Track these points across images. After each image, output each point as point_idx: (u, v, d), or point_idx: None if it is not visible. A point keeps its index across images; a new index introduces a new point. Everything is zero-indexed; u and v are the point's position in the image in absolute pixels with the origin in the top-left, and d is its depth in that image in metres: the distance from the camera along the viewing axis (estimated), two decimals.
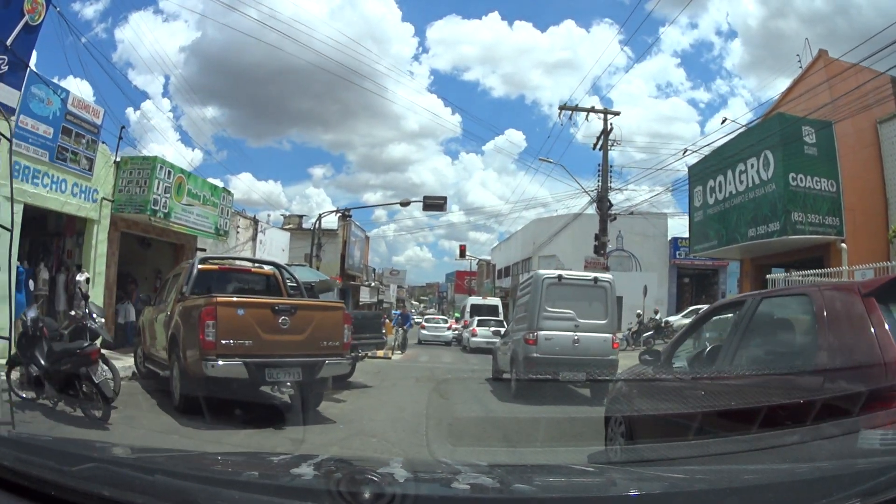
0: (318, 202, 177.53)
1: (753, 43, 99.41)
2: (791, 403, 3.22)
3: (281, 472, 2.10)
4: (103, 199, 14.48)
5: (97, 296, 14.44)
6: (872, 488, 1.46)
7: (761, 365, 3.93)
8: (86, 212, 14.09)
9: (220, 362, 6.89)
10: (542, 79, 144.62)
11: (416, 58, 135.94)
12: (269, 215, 36.45)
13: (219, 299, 7.21)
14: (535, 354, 10.40)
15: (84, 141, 13.94)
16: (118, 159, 15.12)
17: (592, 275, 11.73)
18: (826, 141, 16.41)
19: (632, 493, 1.81)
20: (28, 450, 1.82)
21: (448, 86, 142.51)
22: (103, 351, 8.71)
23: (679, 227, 39.11)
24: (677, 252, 37.53)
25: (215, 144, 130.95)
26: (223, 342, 6.97)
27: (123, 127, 16.01)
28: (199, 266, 8.82)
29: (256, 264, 10.93)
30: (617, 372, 9.69)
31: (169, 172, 15.01)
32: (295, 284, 9.63)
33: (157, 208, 14.67)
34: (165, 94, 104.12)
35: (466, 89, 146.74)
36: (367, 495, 1.46)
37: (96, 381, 6.68)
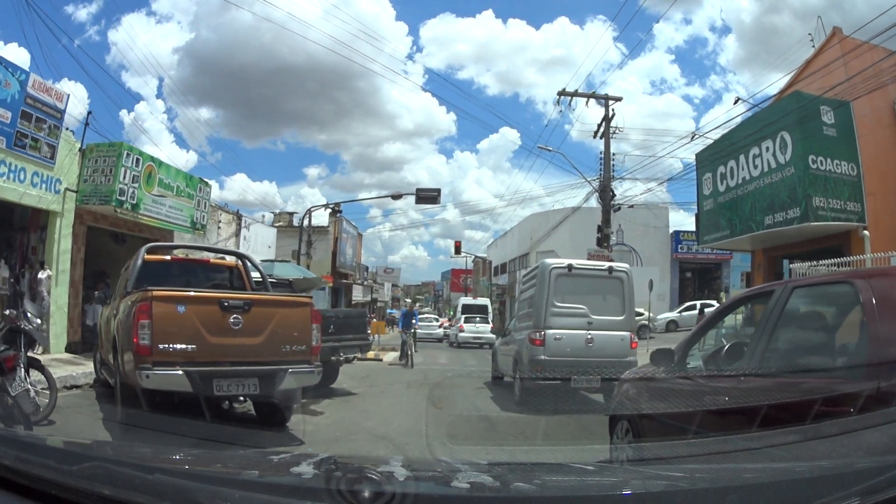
0: (314, 202, 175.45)
1: (747, 38, 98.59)
2: (837, 407, 2.81)
3: (281, 471, 2.06)
4: (67, 189, 13.32)
5: (61, 294, 13.36)
6: (872, 487, 1.42)
7: (796, 364, 3.49)
8: (47, 203, 12.93)
9: (157, 371, 5.63)
10: (537, 76, 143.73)
11: (410, 57, 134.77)
12: (263, 216, 35.21)
13: (154, 293, 5.89)
14: (542, 357, 9.10)
15: (46, 126, 12.84)
16: (83, 147, 13.93)
17: (607, 264, 10.35)
18: (844, 121, 15.38)
19: (632, 491, 1.74)
20: (28, 449, 1.80)
21: (442, 84, 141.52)
22: (39, 356, 7.56)
23: (678, 221, 38.38)
24: (679, 246, 36.71)
25: (210, 146, 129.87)
26: (160, 347, 5.70)
27: (90, 112, 14.81)
28: (146, 256, 7.54)
29: (217, 255, 9.62)
30: None
31: (137, 160, 13.79)
32: (260, 279, 8.29)
33: (124, 199, 13.45)
34: (159, 95, 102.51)
35: (461, 88, 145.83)
36: (366, 494, 1.42)
37: (12, 394, 5.51)
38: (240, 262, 8.64)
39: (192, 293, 6.36)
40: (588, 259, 19.34)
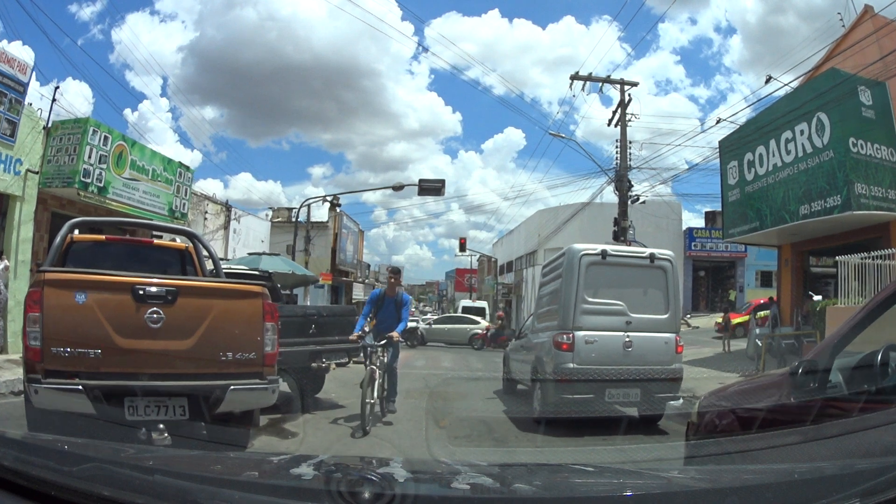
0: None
1: (752, 39, 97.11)
2: None
3: (281, 472, 1.97)
4: (28, 171, 12.00)
5: (20, 288, 12.00)
6: (872, 488, 1.37)
7: None
8: (5, 185, 11.64)
9: (48, 386, 4.17)
10: (543, 76, 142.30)
11: (415, 56, 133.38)
12: (266, 215, 33.92)
13: (47, 276, 4.44)
14: (570, 365, 7.40)
15: (6, 101, 11.57)
16: (49, 125, 12.62)
17: (648, 251, 8.45)
18: (882, 102, 14.04)
19: (632, 492, 1.66)
20: (28, 450, 1.78)
21: (448, 84, 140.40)
22: None
23: (684, 220, 36.94)
24: (692, 243, 35.33)
25: (214, 145, 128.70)
26: (54, 350, 4.24)
27: (58, 87, 13.47)
28: (74, 235, 6.07)
29: (161, 234, 8.11)
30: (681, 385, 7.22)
31: (105, 138, 12.45)
32: (214, 269, 6.72)
33: (89, 181, 12.11)
34: (164, 94, 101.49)
35: (466, 87, 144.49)
36: (366, 495, 1.40)
37: None
38: (192, 243, 7.07)
39: (93, 276, 4.63)
40: None
